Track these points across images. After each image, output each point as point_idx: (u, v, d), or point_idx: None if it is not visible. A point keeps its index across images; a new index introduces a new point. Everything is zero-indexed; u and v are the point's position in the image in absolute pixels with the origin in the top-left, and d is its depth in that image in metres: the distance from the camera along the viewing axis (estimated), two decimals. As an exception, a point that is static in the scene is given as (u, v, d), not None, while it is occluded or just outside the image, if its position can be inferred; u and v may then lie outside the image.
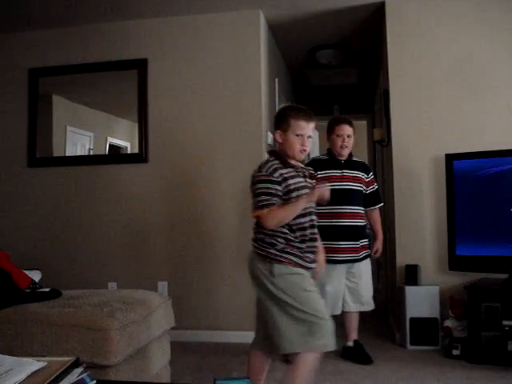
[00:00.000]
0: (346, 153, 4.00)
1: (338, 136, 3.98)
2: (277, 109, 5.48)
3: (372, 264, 7.29)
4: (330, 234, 3.82)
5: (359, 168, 4.04)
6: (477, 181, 4.03)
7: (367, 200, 4.06)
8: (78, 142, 5.08)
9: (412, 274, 4.25)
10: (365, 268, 4.02)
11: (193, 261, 4.67)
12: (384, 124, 5.04)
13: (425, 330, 4.15)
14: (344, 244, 3.90)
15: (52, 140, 5.06)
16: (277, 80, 5.50)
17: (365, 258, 4.01)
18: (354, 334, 4.03)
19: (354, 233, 3.94)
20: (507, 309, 3.69)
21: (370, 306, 4.04)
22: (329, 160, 4.06)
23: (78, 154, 5.02)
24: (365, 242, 4.01)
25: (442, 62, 4.45)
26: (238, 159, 4.65)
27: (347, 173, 3.96)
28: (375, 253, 4.08)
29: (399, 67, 4.53)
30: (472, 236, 4.04)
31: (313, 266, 2.67)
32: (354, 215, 3.93)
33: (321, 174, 3.94)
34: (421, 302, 4.15)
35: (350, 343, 4.00)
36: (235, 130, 4.69)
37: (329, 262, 3.83)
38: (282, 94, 5.91)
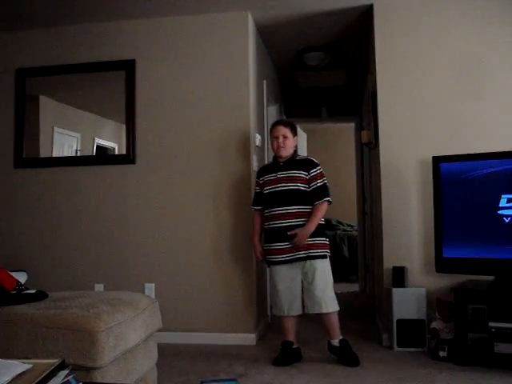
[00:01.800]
0: (284, 153, 4.03)
1: (274, 138, 4.07)
2: (265, 110, 5.49)
3: (360, 266, 7.33)
4: (271, 235, 4.02)
5: (299, 167, 4.00)
6: (464, 183, 4.05)
7: (311, 197, 3.97)
8: (65, 143, 5.05)
9: (399, 276, 4.26)
10: (319, 267, 3.92)
11: (180, 262, 4.66)
12: (372, 126, 5.05)
13: (412, 331, 4.16)
14: (280, 245, 3.95)
15: (39, 141, 5.03)
16: (265, 82, 5.50)
17: (317, 257, 3.92)
18: (336, 334, 3.98)
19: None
20: (494, 310, 3.71)
21: (329, 307, 3.91)
22: (270, 165, 4.20)
23: (65, 154, 4.99)
24: (313, 240, 3.92)
25: (429, 64, 4.47)
26: (226, 160, 4.65)
27: (282, 174, 4.00)
28: (293, 238, 3.88)
29: (387, 69, 4.54)
30: (459, 238, 4.06)
31: None
32: (289, 215, 3.93)
33: (261, 179, 4.13)
34: (408, 303, 4.16)
35: (335, 342, 3.96)
36: (223, 132, 4.68)
37: (273, 263, 4.01)
38: (270, 95, 5.92)
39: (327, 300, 3.92)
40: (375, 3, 4.57)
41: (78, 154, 4.98)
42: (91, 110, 5.01)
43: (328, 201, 3.99)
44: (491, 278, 3.91)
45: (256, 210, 4.19)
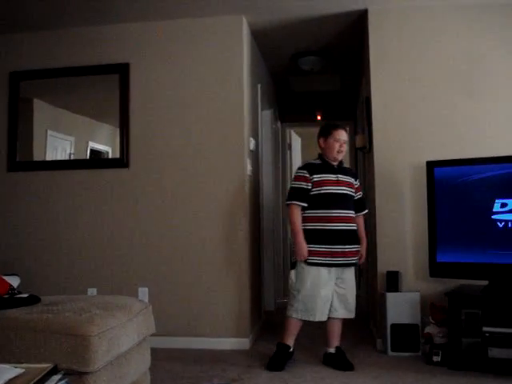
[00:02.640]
0: (340, 158, 4.05)
1: (335, 141, 4.01)
2: (259, 115, 5.49)
3: (355, 270, 7.31)
4: (327, 237, 3.89)
5: (350, 174, 4.09)
6: (458, 188, 4.05)
7: (355, 206, 4.07)
8: (58, 147, 5.03)
9: (393, 281, 4.27)
10: (351, 274, 4.02)
11: (174, 267, 4.64)
12: (366, 131, 5.06)
13: (405, 336, 4.16)
14: (340, 248, 3.89)
15: (32, 144, 5.01)
16: (259, 86, 5.50)
17: (354, 264, 4.01)
18: (336, 341, 4.02)
19: (350, 237, 3.95)
20: (487, 315, 3.71)
21: (354, 313, 4.02)
22: (322, 165, 4.06)
23: (59, 158, 4.96)
24: (358, 247, 4.01)
25: (423, 69, 4.48)
26: (220, 165, 4.64)
27: (342, 177, 3.99)
28: (359, 259, 4.06)
29: (381, 74, 4.55)
30: (453, 243, 4.06)
31: None
32: (349, 219, 3.95)
33: (316, 177, 3.95)
34: (402, 308, 4.16)
35: (332, 350, 3.99)
36: (217, 136, 4.67)
37: (325, 265, 3.89)
38: (265, 100, 5.92)
39: (355, 306, 4.02)
40: (369, 8, 4.58)
41: (72, 157, 4.97)
42: (85, 113, 4.99)
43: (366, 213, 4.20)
44: (485, 282, 3.91)
45: (299, 206, 3.96)
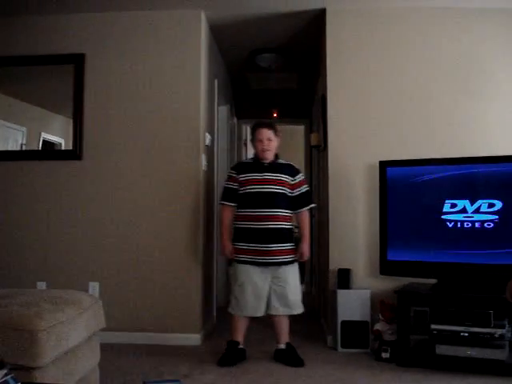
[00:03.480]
0: (268, 156, 4.04)
1: (258, 141, 4.05)
2: (215, 110, 5.47)
3: (306, 267, 7.37)
4: (249, 236, 3.97)
5: (284, 171, 4.04)
6: (409, 188, 4.13)
7: (294, 203, 4.05)
8: (9, 137, 4.92)
9: (344, 278, 4.31)
10: (291, 272, 4.01)
11: (126, 261, 4.59)
12: (321, 129, 5.10)
13: (356, 333, 4.21)
14: (264, 246, 3.92)
15: (-18, 134, 4.89)
16: (216, 81, 5.48)
17: (291, 262, 4.00)
18: (285, 337, 4.04)
19: (276, 236, 3.94)
20: (436, 313, 3.79)
21: (299, 309, 4.02)
22: (252, 163, 4.13)
23: (10, 149, 4.85)
24: (290, 245, 4.00)
25: (379, 70, 4.54)
26: (176, 159, 4.61)
27: (268, 176, 3.99)
28: (300, 257, 4.04)
29: (337, 73, 4.59)
30: (403, 242, 4.13)
31: None
32: (275, 217, 3.94)
33: (242, 177, 4.03)
34: (352, 305, 4.21)
35: (282, 346, 4.02)
36: (172, 129, 4.64)
37: (251, 263, 3.94)
38: (221, 95, 5.90)
39: (297, 303, 4.00)
40: (328, 7, 4.61)
41: (23, 148, 4.86)
42: (38, 103, 4.89)
43: (312, 207, 4.14)
44: (434, 281, 4.00)
45: (227, 206, 4.09)
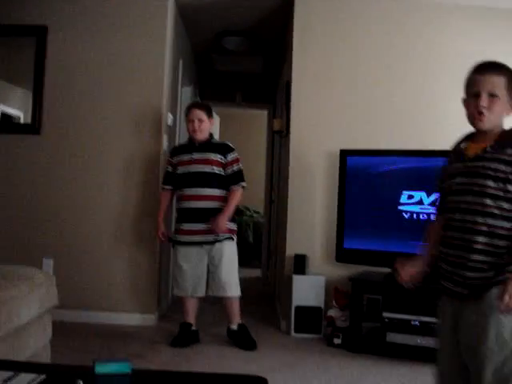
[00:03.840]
0: (199, 136, 4.04)
1: (188, 121, 4.07)
2: (179, 91, 5.43)
3: (264, 252, 7.39)
4: (183, 216, 4.03)
5: (215, 150, 4.02)
6: (368, 178, 4.18)
7: (227, 182, 4.02)
8: (-35, 108, 4.80)
9: (300, 264, 4.35)
10: (226, 251, 3.98)
11: (81, 238, 4.54)
12: (284, 115, 5.11)
13: (309, 318, 4.26)
14: (191, 226, 3.96)
15: None
16: (181, 61, 5.43)
17: (225, 240, 3.97)
18: (236, 318, 4.05)
19: (205, 214, 3.92)
20: (388, 301, 3.86)
21: (232, 291, 3.97)
22: (185, 145, 4.19)
23: (-34, 120, 4.73)
24: (227, 225, 3.96)
25: (344, 59, 4.57)
26: (137, 138, 4.56)
27: (197, 155, 4.00)
28: (212, 226, 3.90)
29: (303, 59, 4.59)
30: (360, 230, 4.19)
31: None
32: (204, 197, 3.95)
33: (175, 159, 4.10)
34: (307, 291, 4.26)
35: (234, 326, 4.03)
36: (135, 108, 4.59)
37: (186, 243, 3.97)
38: (186, 76, 5.85)
39: (232, 284, 3.97)
40: (296, -8, 4.61)
41: (-20, 120, 4.74)
42: (-3, 75, 4.77)
43: (243, 186, 4.04)
44: (387, 270, 4.06)
45: (165, 189, 4.16)
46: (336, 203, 4.27)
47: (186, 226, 3.98)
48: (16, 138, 4.63)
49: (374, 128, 4.49)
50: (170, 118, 4.86)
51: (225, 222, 3.89)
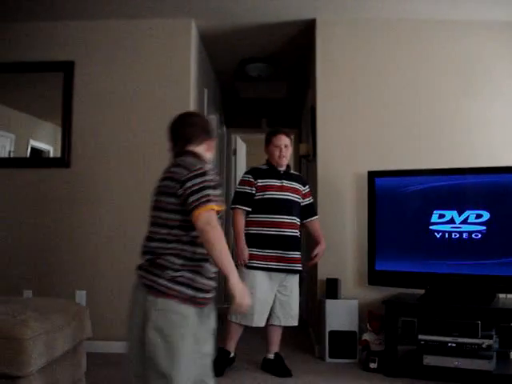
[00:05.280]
0: (284, 163, 4.04)
1: (275, 146, 4.03)
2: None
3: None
4: (265, 242, 3.92)
5: (297, 180, 4.09)
6: (398, 198, 4.14)
7: (305, 211, 4.09)
8: (-3, 144, 4.90)
9: (332, 288, 4.31)
10: (296, 282, 4.04)
11: (113, 269, 4.55)
12: (310, 139, 5.11)
13: (343, 343, 4.20)
14: (281, 253, 3.91)
15: (-30, 140, 4.85)
16: (206, 91, 5.48)
17: (298, 271, 4.01)
18: (275, 347, 4.03)
19: (293, 243, 3.95)
20: (423, 323, 3.80)
21: (297, 320, 4.04)
22: (268, 170, 4.08)
23: (-2, 156, 4.83)
24: (299, 254, 4.01)
25: (368, 81, 4.57)
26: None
27: (286, 183, 4.00)
28: (315, 256, 4.06)
29: (327, 84, 4.61)
30: (391, 252, 4.15)
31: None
32: (292, 225, 3.96)
33: (261, 182, 3.98)
34: (340, 315, 4.21)
35: (271, 356, 4.01)
36: (162, 139, 4.59)
37: (265, 269, 3.90)
38: (211, 104, 5.90)
39: (297, 314, 4.03)
40: (318, 18, 4.64)
41: (11, 155, 4.83)
42: (27, 110, 4.87)
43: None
44: (421, 291, 4.00)
45: (242, 210, 3.99)
46: (366, 225, 4.24)
47: (276, 253, 3.91)
48: (46, 172, 4.71)
49: (400, 148, 4.47)
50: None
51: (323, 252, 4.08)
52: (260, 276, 3.89)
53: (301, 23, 4.80)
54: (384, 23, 4.60)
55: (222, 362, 3.91)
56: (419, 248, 4.06)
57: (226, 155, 7.31)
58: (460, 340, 3.65)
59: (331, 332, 4.21)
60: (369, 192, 4.22)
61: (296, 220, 4.00)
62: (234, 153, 7.72)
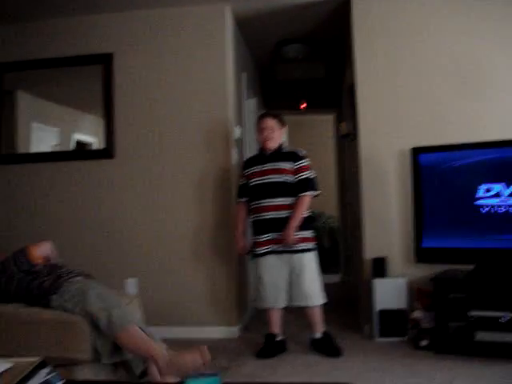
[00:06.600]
0: (270, 145, 4.06)
1: (260, 130, 4.10)
2: (244, 103, 5.48)
3: (341, 257, 7.33)
4: (257, 227, 4.05)
5: (285, 158, 4.03)
6: (442, 174, 4.08)
7: (296, 188, 3.99)
8: (43, 138, 5.00)
9: (380, 267, 4.29)
10: (307, 261, 3.97)
11: (163, 257, 4.64)
12: (351, 118, 5.06)
13: (393, 321, 4.19)
14: (266, 236, 3.97)
15: (17, 136, 4.96)
16: (244, 74, 5.48)
17: (305, 250, 3.97)
18: (319, 327, 4.04)
19: (279, 225, 3.93)
20: (473, 299, 3.75)
21: (316, 300, 3.97)
22: (256, 156, 4.19)
23: (44, 150, 4.93)
24: (302, 234, 3.96)
25: (407, 56, 4.48)
26: (206, 153, 4.64)
27: (269, 166, 4.01)
28: (281, 241, 3.93)
29: (365, 62, 4.55)
30: (438, 228, 4.10)
31: None
32: (276, 207, 3.96)
33: (247, 171, 4.13)
34: (389, 294, 4.19)
35: (318, 335, 4.02)
36: (203, 125, 4.66)
37: (258, 255, 3.99)
38: (249, 88, 5.90)
39: (314, 293, 3.97)
40: (353, -6, 4.58)
41: (57, 149, 4.93)
42: (69, 104, 4.96)
43: (312, 194, 4.01)
44: (470, 267, 3.95)
45: (240, 202, 4.20)
46: (411, 203, 4.20)
47: (263, 237, 3.99)
48: (91, 164, 4.80)
49: (443, 122, 4.37)
50: (237, 132, 4.90)
51: (292, 233, 3.89)
52: (265, 260, 3.99)
53: (336, 1, 4.74)
54: (421, -3, 4.51)
55: (270, 345, 4.02)
56: (465, 223, 4.01)
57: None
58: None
59: (381, 311, 4.19)
60: (413, 169, 4.17)
61: (283, 201, 3.97)
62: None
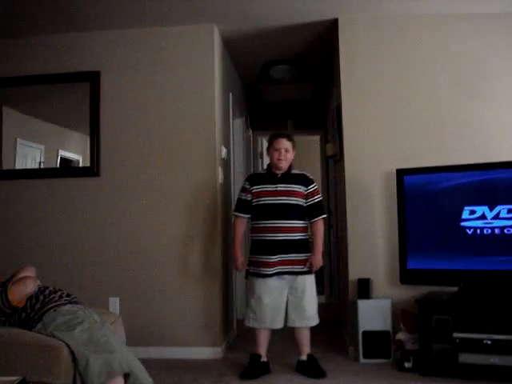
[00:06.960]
0: (283, 165, 4.06)
1: (274, 149, 4.07)
2: (231, 123, 5.49)
3: (324, 277, 7.34)
4: (264, 248, 3.97)
5: (297, 181, 4.06)
6: (427, 195, 4.11)
7: (308, 213, 4.06)
8: (28, 155, 4.97)
9: (364, 288, 4.29)
10: (308, 283, 4.00)
11: (145, 276, 4.60)
12: (337, 139, 5.09)
13: (377, 343, 4.18)
14: (276, 258, 3.92)
15: (1, 152, 4.92)
16: (231, 95, 5.51)
17: (308, 272, 3.99)
18: (306, 349, 4.03)
19: (289, 246, 3.94)
20: (457, 321, 3.76)
21: (314, 320, 4.01)
22: (265, 175, 4.15)
23: (29, 167, 4.90)
24: (306, 256, 3.99)
25: (392, 79, 4.53)
26: (193, 173, 4.63)
27: (281, 187, 4.01)
28: (309, 266, 3.99)
29: (351, 83, 4.59)
30: (423, 250, 4.11)
31: None
32: (288, 229, 3.95)
33: (255, 188, 4.06)
34: (373, 315, 4.18)
35: (304, 357, 4.01)
36: (189, 145, 4.66)
37: (263, 275, 3.94)
38: (237, 108, 5.93)
39: (313, 314, 4.00)
40: (340, 18, 4.62)
41: (42, 166, 4.90)
42: (55, 121, 4.94)
43: (325, 217, 4.11)
44: (455, 288, 3.96)
45: (240, 217, 4.13)
46: (397, 224, 4.21)
47: (272, 258, 3.93)
48: (76, 182, 4.77)
49: (427, 145, 4.41)
50: (223, 151, 4.91)
51: (320, 259, 3.99)
52: (265, 281, 3.95)
53: (324, 23, 4.78)
54: (406, 20, 4.56)
55: (254, 366, 3.98)
56: (451, 245, 4.02)
57: (252, 158, 7.32)
58: (496, 337, 3.60)
59: (364, 332, 4.18)
60: (398, 190, 4.19)
61: (295, 223, 3.98)
62: (261, 156, 7.73)
